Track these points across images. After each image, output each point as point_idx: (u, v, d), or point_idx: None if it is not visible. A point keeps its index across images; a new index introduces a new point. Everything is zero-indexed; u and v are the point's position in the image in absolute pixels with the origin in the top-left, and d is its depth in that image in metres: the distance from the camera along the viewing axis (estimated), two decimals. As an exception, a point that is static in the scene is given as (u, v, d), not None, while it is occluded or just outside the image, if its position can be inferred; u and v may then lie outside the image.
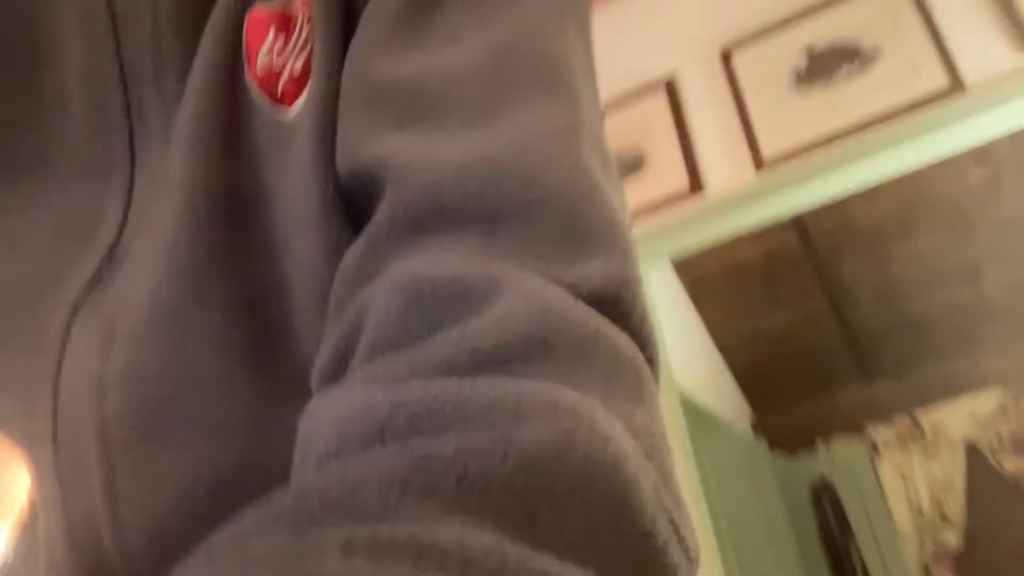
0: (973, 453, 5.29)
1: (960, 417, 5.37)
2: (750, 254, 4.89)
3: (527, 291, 0.31)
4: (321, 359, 0.36)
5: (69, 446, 0.40)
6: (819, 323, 5.34)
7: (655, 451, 0.29)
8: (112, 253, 0.43)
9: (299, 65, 0.42)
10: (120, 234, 0.43)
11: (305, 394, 0.39)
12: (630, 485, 0.25)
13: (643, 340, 0.35)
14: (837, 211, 4.35)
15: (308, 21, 0.42)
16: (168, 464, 0.39)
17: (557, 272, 0.34)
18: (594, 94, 0.43)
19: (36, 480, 0.42)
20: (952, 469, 5.31)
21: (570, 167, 0.38)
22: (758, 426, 5.72)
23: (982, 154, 3.88)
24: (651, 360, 0.35)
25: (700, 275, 5.00)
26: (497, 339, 0.29)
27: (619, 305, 0.34)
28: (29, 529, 0.47)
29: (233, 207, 0.42)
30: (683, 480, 2.93)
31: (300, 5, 0.43)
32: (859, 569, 4.95)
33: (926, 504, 5.31)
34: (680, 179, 2.52)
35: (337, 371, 0.35)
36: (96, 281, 0.43)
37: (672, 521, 0.27)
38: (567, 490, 0.23)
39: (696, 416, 4.33)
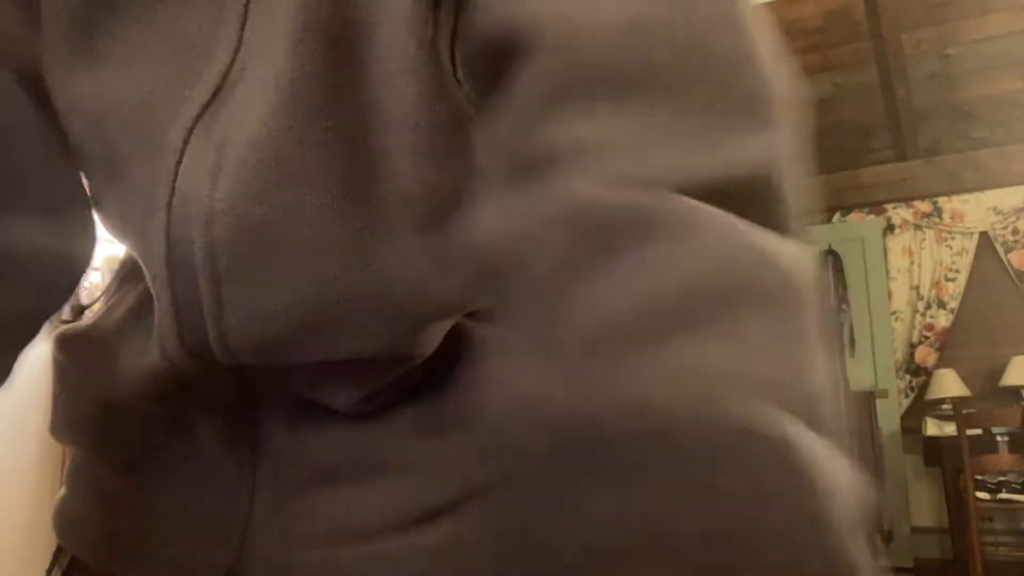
0: (985, 244, 5.36)
1: (981, 209, 5.38)
2: (810, 11, 4.66)
3: (683, 238, 0.31)
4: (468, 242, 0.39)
5: (180, 262, 0.44)
6: (865, 95, 5.19)
7: (823, 405, 0.29)
8: (227, 76, 0.44)
9: None
10: (234, 58, 0.44)
11: (403, 225, 0.44)
12: (833, 532, 0.24)
13: (789, 226, 0.35)
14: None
15: None
16: (271, 284, 0.42)
17: (708, 156, 0.34)
18: None
19: (153, 281, 0.46)
20: (960, 257, 5.41)
21: (732, 25, 0.37)
22: (780, 191, 5.75)
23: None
24: (796, 235, 0.36)
25: (753, 29, 4.79)
26: (654, 302, 0.29)
27: (770, 190, 0.34)
28: (141, 314, 0.52)
29: (338, 42, 0.43)
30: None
31: None
32: (847, 338, 5.21)
33: (926, 287, 5.47)
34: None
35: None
36: (211, 103, 0.44)
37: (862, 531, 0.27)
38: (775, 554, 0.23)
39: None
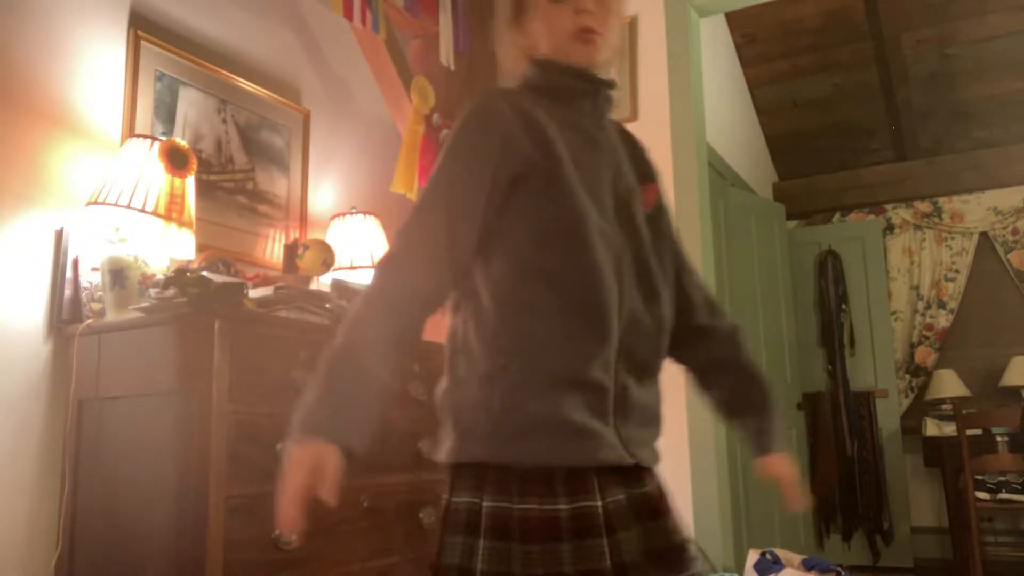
0: (984, 243, 5.36)
1: (981, 209, 5.38)
2: (810, 11, 4.66)
3: None
4: None
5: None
6: (865, 96, 5.20)
7: None
8: None
9: None
10: None
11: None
12: None
13: None
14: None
15: None
16: None
17: None
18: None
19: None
20: (960, 257, 5.41)
21: None
22: (781, 191, 5.76)
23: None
24: None
25: (752, 30, 4.79)
26: None
27: None
28: None
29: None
30: (697, 232, 3.02)
31: None
32: (847, 338, 5.21)
33: (926, 287, 5.47)
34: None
35: None
36: None
37: None
38: None
39: (719, 174, 4.36)
